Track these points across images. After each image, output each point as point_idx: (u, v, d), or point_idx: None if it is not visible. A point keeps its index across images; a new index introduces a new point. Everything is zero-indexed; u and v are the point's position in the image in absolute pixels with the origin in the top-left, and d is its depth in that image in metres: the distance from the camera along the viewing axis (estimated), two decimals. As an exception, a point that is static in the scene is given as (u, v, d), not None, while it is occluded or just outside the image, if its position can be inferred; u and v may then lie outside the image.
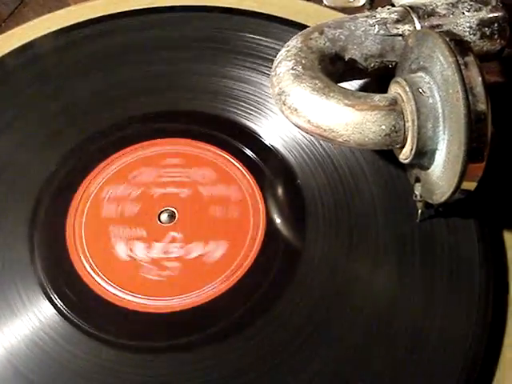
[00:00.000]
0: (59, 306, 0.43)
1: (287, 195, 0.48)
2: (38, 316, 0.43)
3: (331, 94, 0.41)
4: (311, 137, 0.49)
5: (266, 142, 0.51)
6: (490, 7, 0.47)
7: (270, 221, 0.47)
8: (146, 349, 0.42)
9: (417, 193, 0.45)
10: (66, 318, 0.43)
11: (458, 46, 0.39)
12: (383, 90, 0.43)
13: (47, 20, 0.58)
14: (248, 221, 0.47)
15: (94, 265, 0.45)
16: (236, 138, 0.51)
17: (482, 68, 0.38)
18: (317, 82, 0.42)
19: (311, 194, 0.47)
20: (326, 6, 0.59)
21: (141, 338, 0.42)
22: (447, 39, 0.39)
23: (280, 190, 0.49)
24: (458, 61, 0.38)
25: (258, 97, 0.53)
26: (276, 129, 0.51)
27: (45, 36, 0.57)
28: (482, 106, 0.37)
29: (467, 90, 0.37)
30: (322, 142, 0.49)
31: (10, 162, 0.51)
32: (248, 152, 0.51)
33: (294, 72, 0.43)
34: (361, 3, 0.59)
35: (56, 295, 0.44)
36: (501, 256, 0.45)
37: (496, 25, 0.47)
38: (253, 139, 0.51)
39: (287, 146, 0.50)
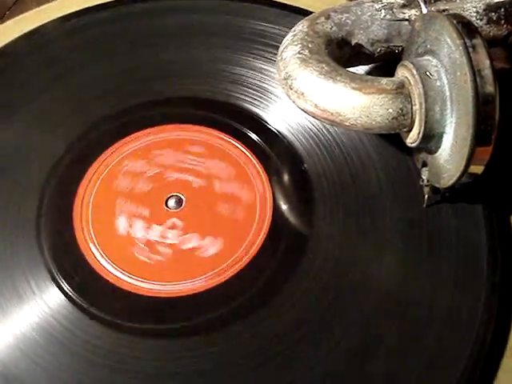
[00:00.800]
0: (67, 291, 0.43)
1: (293, 180, 0.48)
2: (46, 301, 0.43)
3: (338, 78, 0.41)
4: (317, 121, 0.49)
5: (272, 128, 0.51)
6: (496, -8, 0.47)
7: (276, 207, 0.47)
8: (151, 332, 0.42)
9: (424, 177, 0.45)
10: (74, 303, 0.43)
11: (466, 28, 0.39)
12: (390, 75, 0.43)
13: (52, 7, 0.59)
14: (255, 209, 0.47)
15: (99, 247, 0.46)
16: (241, 123, 0.51)
17: (489, 50, 0.38)
18: (323, 65, 0.42)
19: (318, 180, 0.47)
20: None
21: (143, 322, 0.43)
22: (454, 22, 0.39)
23: (286, 175, 0.49)
24: (465, 43, 0.38)
25: (264, 82, 0.53)
26: (282, 114, 0.51)
27: (52, 21, 0.57)
28: (490, 88, 0.37)
29: (475, 72, 0.37)
30: (328, 126, 0.49)
31: (22, 143, 0.51)
32: (254, 137, 0.51)
33: (300, 56, 0.43)
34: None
35: (64, 280, 0.44)
36: (508, 240, 0.45)
37: (503, 10, 0.47)
38: (259, 125, 0.51)
39: (293, 131, 0.50)
